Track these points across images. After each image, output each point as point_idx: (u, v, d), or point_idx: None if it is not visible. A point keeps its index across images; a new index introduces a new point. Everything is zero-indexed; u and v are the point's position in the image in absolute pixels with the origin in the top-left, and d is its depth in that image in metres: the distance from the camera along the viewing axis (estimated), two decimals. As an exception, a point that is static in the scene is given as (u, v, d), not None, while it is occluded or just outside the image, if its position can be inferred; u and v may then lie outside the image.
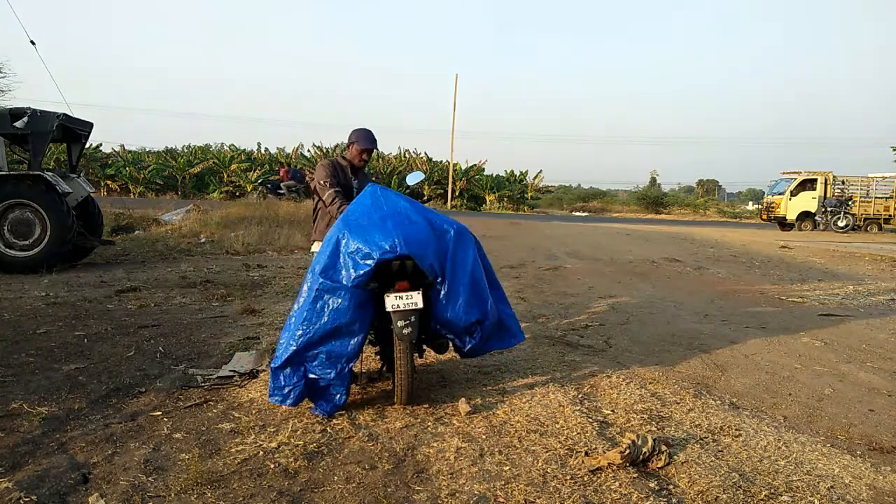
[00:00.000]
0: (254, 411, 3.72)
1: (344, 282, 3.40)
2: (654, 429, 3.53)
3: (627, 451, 3.01)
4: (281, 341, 3.52)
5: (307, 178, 24.93)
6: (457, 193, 40.06)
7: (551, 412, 3.72)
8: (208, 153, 41.36)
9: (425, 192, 36.93)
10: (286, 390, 3.48)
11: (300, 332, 3.43)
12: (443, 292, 3.56)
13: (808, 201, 24.57)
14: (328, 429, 3.45)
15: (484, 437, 3.37)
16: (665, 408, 3.87)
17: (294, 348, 3.43)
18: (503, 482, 2.87)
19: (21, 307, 6.49)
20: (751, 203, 55.39)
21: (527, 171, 42.47)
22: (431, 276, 3.52)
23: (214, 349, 5.13)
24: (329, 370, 3.48)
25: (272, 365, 3.53)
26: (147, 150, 42.72)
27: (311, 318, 3.43)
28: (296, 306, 3.52)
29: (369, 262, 3.35)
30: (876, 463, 3.20)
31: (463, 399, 3.81)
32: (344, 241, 3.46)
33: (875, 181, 25.08)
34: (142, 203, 24.31)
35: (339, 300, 3.40)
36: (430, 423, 3.54)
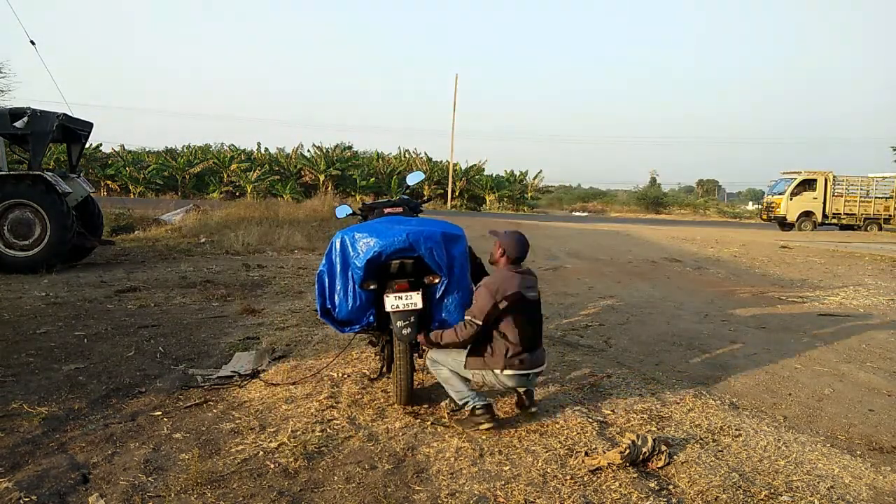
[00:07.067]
0: (254, 411, 3.72)
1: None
2: (654, 429, 3.53)
3: (627, 451, 3.01)
4: None
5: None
6: (457, 193, 40.06)
7: (551, 412, 3.72)
8: (208, 153, 41.35)
9: (425, 192, 36.89)
10: None
11: None
12: (445, 294, 3.58)
13: (808, 201, 24.58)
14: (328, 429, 3.45)
15: (484, 437, 3.37)
16: (665, 408, 3.86)
17: None
18: (503, 482, 2.87)
19: (21, 307, 6.49)
20: (751, 203, 55.37)
21: (527, 171, 42.52)
22: (437, 270, 3.51)
23: (214, 349, 5.13)
24: None
25: None
26: (147, 150, 42.72)
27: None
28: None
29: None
30: (876, 463, 3.21)
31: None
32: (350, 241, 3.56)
33: (875, 181, 25.08)
34: (142, 203, 24.31)
35: None
36: (429, 423, 3.54)
